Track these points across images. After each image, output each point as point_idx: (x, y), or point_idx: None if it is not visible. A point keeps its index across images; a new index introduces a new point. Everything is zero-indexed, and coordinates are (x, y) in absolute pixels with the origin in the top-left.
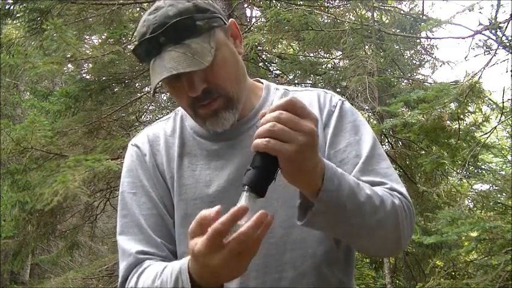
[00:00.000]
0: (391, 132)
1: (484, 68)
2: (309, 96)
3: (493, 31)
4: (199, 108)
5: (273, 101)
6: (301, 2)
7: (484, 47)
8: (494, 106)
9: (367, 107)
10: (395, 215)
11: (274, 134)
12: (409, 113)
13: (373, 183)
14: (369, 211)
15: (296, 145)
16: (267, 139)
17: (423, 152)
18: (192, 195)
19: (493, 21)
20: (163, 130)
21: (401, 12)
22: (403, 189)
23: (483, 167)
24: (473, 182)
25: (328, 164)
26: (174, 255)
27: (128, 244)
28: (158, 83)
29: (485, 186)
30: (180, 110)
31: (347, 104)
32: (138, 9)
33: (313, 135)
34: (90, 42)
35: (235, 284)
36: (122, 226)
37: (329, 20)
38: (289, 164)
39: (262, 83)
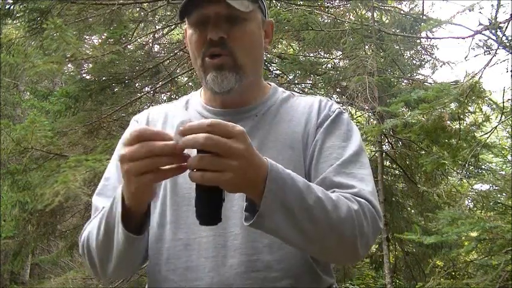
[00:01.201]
0: (391, 132)
1: (484, 68)
2: (311, 100)
3: (493, 31)
4: (208, 57)
5: (277, 99)
6: (301, 2)
7: (484, 47)
8: (494, 106)
9: (367, 107)
10: (351, 221)
11: (206, 166)
12: (410, 113)
13: (341, 185)
14: (319, 215)
15: (230, 172)
16: (200, 173)
17: (423, 152)
18: (184, 174)
19: (493, 21)
20: (165, 109)
21: (401, 12)
22: (373, 198)
23: (483, 167)
24: (473, 182)
25: (272, 166)
26: None
27: (101, 203)
28: (188, 6)
29: (486, 186)
30: (184, 97)
31: (345, 115)
32: (138, 9)
33: (245, 155)
34: (90, 42)
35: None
36: (100, 188)
37: (329, 20)
38: (230, 187)
39: (270, 85)
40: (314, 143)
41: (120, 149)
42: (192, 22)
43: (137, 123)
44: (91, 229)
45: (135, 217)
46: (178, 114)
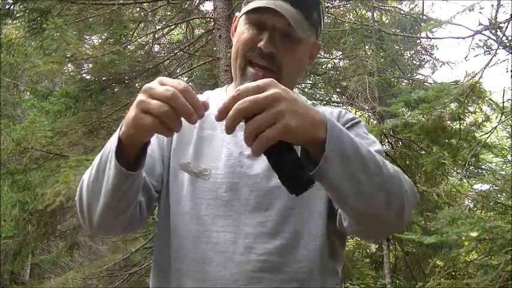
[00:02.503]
0: (391, 133)
1: (484, 68)
2: (331, 111)
3: (493, 31)
4: (251, 65)
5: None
6: None
7: (484, 47)
8: (494, 106)
9: (367, 107)
10: (399, 179)
11: (259, 128)
12: (410, 113)
13: None
14: (372, 168)
15: (282, 117)
16: (260, 136)
17: (423, 152)
18: (204, 164)
19: (493, 21)
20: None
21: (402, 12)
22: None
23: (483, 167)
24: (473, 182)
25: (326, 115)
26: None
27: None
28: (253, 10)
29: (486, 186)
30: (206, 93)
31: (363, 123)
32: (138, 9)
33: (284, 95)
34: (90, 42)
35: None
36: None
37: (329, 20)
38: (293, 132)
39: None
40: None
41: (150, 83)
42: (248, 21)
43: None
44: (86, 172)
45: (128, 156)
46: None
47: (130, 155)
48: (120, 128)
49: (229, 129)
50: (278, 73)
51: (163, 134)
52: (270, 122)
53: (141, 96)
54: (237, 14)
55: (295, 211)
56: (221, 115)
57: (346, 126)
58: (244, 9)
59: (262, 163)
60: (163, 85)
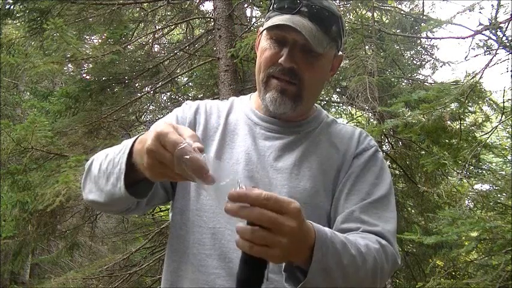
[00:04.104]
0: (391, 133)
1: (484, 68)
2: (352, 130)
3: (493, 31)
4: (273, 78)
5: (322, 122)
6: None
7: (485, 47)
8: (494, 106)
9: (367, 107)
10: (375, 270)
11: (257, 240)
12: (410, 113)
13: (367, 223)
14: (351, 272)
15: (279, 249)
16: (250, 244)
17: (423, 152)
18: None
19: (493, 21)
20: (217, 104)
21: (402, 12)
22: (393, 239)
23: (484, 167)
24: (473, 182)
25: (319, 233)
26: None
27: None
28: (272, 27)
29: (486, 186)
30: (230, 100)
31: (381, 153)
32: (138, 9)
33: (296, 234)
34: (90, 42)
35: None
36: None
37: None
38: (276, 260)
39: (316, 107)
40: (349, 174)
41: (165, 124)
42: (269, 37)
43: (187, 105)
44: (97, 157)
45: (136, 174)
46: (222, 115)
47: (138, 175)
48: (132, 146)
49: (230, 213)
50: (299, 86)
51: (175, 181)
52: (264, 243)
53: (155, 142)
54: (260, 28)
55: (305, 217)
56: (235, 199)
57: (362, 159)
58: (266, 25)
59: (279, 173)
60: (178, 132)
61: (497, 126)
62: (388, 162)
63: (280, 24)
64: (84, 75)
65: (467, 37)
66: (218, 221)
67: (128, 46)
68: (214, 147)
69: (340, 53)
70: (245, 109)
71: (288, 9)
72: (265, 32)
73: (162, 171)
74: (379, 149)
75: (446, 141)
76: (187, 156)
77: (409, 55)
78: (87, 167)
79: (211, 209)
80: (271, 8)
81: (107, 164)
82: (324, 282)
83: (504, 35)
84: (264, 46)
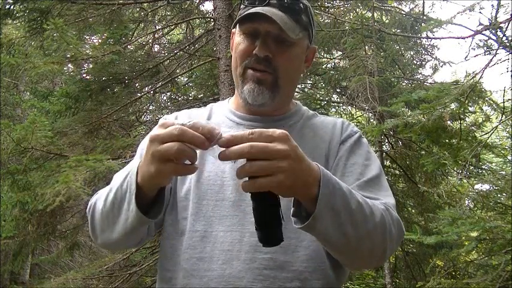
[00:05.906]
0: (391, 133)
1: (484, 68)
2: (334, 120)
3: (494, 31)
4: (249, 69)
5: (303, 115)
6: None
7: (485, 47)
8: (495, 106)
9: (367, 107)
10: (384, 227)
11: (257, 172)
12: (410, 113)
13: (367, 198)
14: (360, 219)
15: (282, 174)
16: (253, 180)
17: (424, 152)
18: (208, 169)
19: (493, 21)
20: (195, 111)
21: (402, 12)
22: (395, 211)
23: (484, 167)
24: (473, 182)
25: (323, 170)
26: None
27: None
28: (244, 19)
29: (486, 186)
30: (209, 105)
31: (364, 138)
32: (138, 9)
33: (292, 155)
34: (90, 42)
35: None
36: (126, 167)
37: (329, 20)
38: (284, 189)
39: (296, 103)
40: (338, 159)
41: (153, 131)
42: (242, 31)
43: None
44: (99, 197)
45: (144, 198)
46: (207, 116)
47: (148, 196)
48: (137, 170)
49: (224, 159)
50: (274, 75)
51: (187, 174)
52: (267, 173)
53: (152, 147)
54: (233, 30)
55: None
56: (228, 143)
57: (348, 143)
58: (237, 20)
59: None
60: (165, 127)
61: (497, 126)
62: (388, 162)
63: (252, 14)
64: (84, 75)
65: (467, 37)
66: (210, 225)
67: (128, 46)
68: (198, 152)
69: (313, 45)
70: (225, 112)
71: (258, 2)
72: (237, 29)
73: (170, 168)
74: (363, 136)
75: (446, 141)
76: (190, 122)
77: (409, 55)
78: (90, 211)
79: (201, 213)
80: (241, 5)
81: (114, 195)
82: (334, 224)
83: (504, 35)
84: (237, 41)
